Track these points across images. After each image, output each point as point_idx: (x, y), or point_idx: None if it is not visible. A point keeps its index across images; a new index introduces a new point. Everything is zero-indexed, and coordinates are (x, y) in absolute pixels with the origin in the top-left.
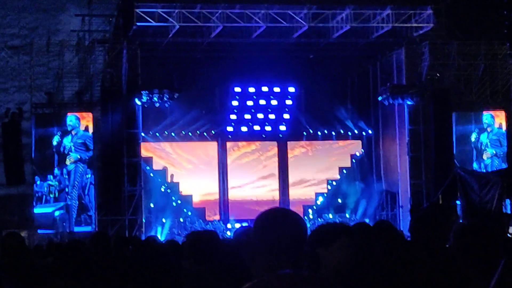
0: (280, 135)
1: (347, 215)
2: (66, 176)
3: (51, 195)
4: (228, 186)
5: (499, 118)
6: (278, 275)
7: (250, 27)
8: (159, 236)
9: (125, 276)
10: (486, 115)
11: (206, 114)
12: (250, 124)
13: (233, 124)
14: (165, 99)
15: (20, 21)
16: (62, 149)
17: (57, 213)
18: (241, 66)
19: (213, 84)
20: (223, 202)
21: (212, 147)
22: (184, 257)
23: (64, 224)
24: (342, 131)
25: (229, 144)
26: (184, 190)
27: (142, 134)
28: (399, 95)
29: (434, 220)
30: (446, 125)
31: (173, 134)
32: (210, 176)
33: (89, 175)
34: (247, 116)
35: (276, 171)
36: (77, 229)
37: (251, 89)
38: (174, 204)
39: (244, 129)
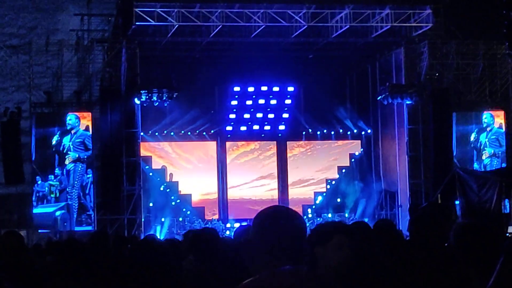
0: (279, 135)
1: (346, 215)
2: (65, 176)
3: (52, 195)
4: (227, 185)
5: (499, 118)
6: (277, 272)
7: (249, 27)
8: (158, 236)
9: (124, 275)
10: (486, 114)
11: (207, 113)
12: (249, 123)
13: (232, 123)
14: (164, 98)
15: (19, 21)
16: (61, 149)
17: (58, 213)
18: (240, 65)
19: (212, 83)
20: (222, 202)
21: (211, 146)
22: (184, 255)
23: (65, 224)
24: (341, 131)
25: (228, 144)
26: (183, 189)
27: (141, 133)
28: (398, 95)
29: (433, 219)
30: (445, 124)
31: (172, 133)
32: (209, 175)
33: (90, 175)
34: (246, 116)
35: (275, 171)
36: (78, 229)
37: (250, 89)
38: (173, 203)
39: (243, 128)
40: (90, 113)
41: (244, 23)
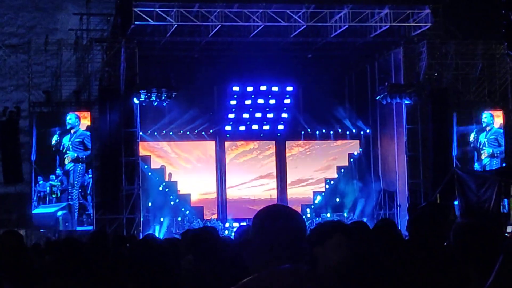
0: (278, 134)
1: (345, 214)
2: (65, 176)
3: (54, 196)
4: (226, 185)
5: (499, 118)
6: (277, 270)
7: (248, 26)
8: (157, 235)
9: (123, 274)
10: (486, 114)
11: (206, 113)
12: (248, 123)
13: (231, 123)
14: (163, 98)
15: (18, 20)
16: (61, 148)
17: (60, 213)
18: (239, 65)
19: (211, 83)
20: (221, 201)
21: (210, 146)
22: (183, 254)
23: (66, 224)
24: (340, 131)
25: (227, 143)
26: (182, 189)
27: (140, 133)
28: (397, 94)
29: (432, 219)
30: (444, 124)
31: (171, 133)
32: (208, 175)
33: (91, 175)
34: (245, 115)
35: (274, 170)
36: (79, 229)
37: (249, 88)
38: (172, 203)
39: (242, 128)
40: (89, 113)
41: (243, 22)
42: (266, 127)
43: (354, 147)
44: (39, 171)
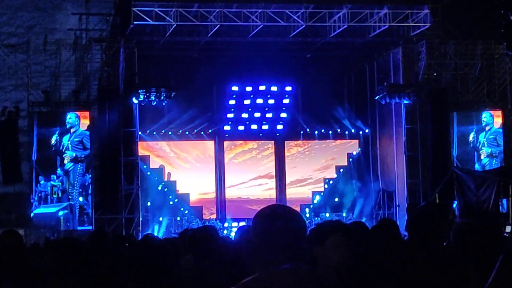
0: (277, 134)
1: (344, 214)
2: (65, 176)
3: (55, 196)
4: (225, 185)
5: (499, 118)
6: (277, 270)
7: (247, 26)
8: (156, 235)
9: (123, 274)
10: (486, 114)
11: (205, 113)
12: (247, 123)
13: (230, 123)
14: (162, 98)
15: (17, 20)
16: (61, 148)
17: (61, 213)
18: (238, 65)
19: (210, 83)
20: (220, 201)
21: (209, 146)
22: (182, 254)
23: (68, 224)
24: (339, 130)
25: (226, 143)
26: (181, 189)
27: (139, 133)
28: (396, 94)
29: (431, 219)
30: (443, 124)
31: (170, 133)
32: (207, 175)
33: (91, 175)
34: (244, 115)
35: (273, 170)
36: (80, 229)
37: (248, 88)
38: (171, 203)
39: (241, 128)
40: (88, 112)
41: (242, 22)
42: (265, 127)
43: (353, 147)
44: (40, 171)
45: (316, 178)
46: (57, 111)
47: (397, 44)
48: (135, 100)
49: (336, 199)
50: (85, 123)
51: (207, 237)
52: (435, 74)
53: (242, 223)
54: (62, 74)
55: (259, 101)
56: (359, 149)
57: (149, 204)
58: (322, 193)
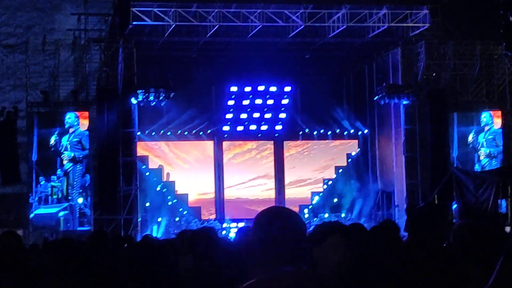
0: (276, 135)
1: (343, 215)
2: (65, 177)
3: (55, 196)
4: (224, 185)
5: (499, 119)
6: (281, 273)
7: (246, 27)
8: (155, 236)
9: (123, 274)
10: (485, 114)
11: (204, 113)
12: (246, 123)
13: (229, 123)
14: (161, 98)
15: (16, 20)
16: (60, 148)
17: (61, 214)
18: (237, 65)
19: (209, 83)
20: (219, 201)
21: (208, 146)
22: (181, 254)
23: (68, 224)
24: (338, 131)
25: (225, 144)
26: (180, 189)
27: (138, 133)
28: (395, 95)
29: (431, 220)
30: (442, 125)
31: (169, 133)
32: (206, 175)
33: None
34: (243, 116)
35: (272, 171)
36: (79, 229)
37: (247, 88)
38: (169, 203)
39: (240, 128)
40: (87, 113)
41: (241, 23)
42: (264, 127)
43: (352, 147)
44: (40, 172)
45: (315, 178)
46: (56, 111)
47: (396, 44)
48: (134, 101)
49: (335, 200)
50: (84, 123)
51: (207, 238)
52: (434, 74)
53: (241, 224)
54: (61, 74)
55: (258, 101)
56: (358, 149)
57: (148, 204)
58: (321, 194)
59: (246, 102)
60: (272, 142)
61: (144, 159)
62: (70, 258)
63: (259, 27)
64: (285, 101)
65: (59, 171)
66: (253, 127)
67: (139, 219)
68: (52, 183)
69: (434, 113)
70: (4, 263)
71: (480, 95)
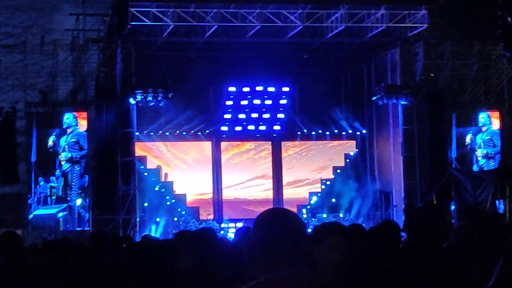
0: (275, 135)
1: (341, 215)
2: (63, 177)
3: (54, 197)
4: (222, 185)
5: (497, 119)
6: (283, 274)
7: (244, 27)
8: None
9: (123, 274)
10: (483, 114)
11: (202, 113)
12: (245, 123)
13: (227, 123)
14: (159, 98)
15: (14, 20)
16: (58, 149)
17: (60, 215)
18: (236, 65)
19: (207, 83)
20: (217, 202)
21: (206, 146)
22: (180, 254)
23: (67, 225)
24: (336, 131)
25: (223, 144)
26: (178, 189)
27: (137, 133)
28: (394, 95)
29: (430, 220)
30: (440, 125)
31: (167, 133)
32: (204, 175)
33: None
34: (242, 116)
35: (270, 171)
36: (78, 229)
37: (246, 89)
38: (168, 203)
39: (238, 128)
40: (86, 113)
41: (239, 23)
42: (262, 128)
43: (350, 147)
44: (39, 172)
45: (313, 178)
46: (54, 111)
47: (395, 44)
48: (132, 101)
49: (333, 200)
50: (83, 123)
51: (206, 239)
52: (432, 74)
53: (239, 224)
54: (59, 75)
55: (256, 101)
56: (356, 149)
57: (146, 204)
58: (319, 194)
59: (244, 103)
60: (270, 142)
61: (142, 159)
62: (69, 258)
63: (257, 28)
64: (283, 102)
65: (57, 172)
66: (251, 127)
67: (138, 219)
68: (51, 184)
69: (432, 113)
70: (4, 263)
71: (478, 95)
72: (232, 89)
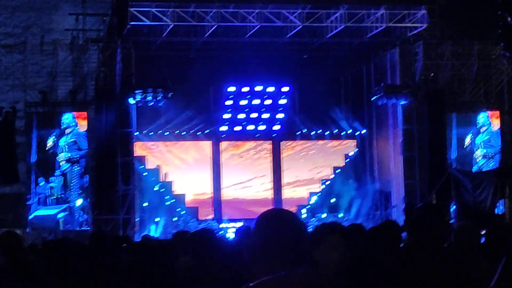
0: (274, 135)
1: (341, 215)
2: (62, 177)
3: (53, 197)
4: (221, 185)
5: (498, 120)
6: (283, 274)
7: (244, 27)
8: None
9: (123, 274)
10: (483, 114)
11: (201, 113)
12: (244, 123)
13: (227, 123)
14: (159, 98)
15: (14, 20)
16: (58, 150)
17: (60, 215)
18: (235, 65)
19: (207, 83)
20: (217, 201)
21: (206, 146)
22: (180, 254)
23: (67, 226)
24: (336, 131)
25: (223, 144)
26: (177, 189)
27: (136, 133)
28: (393, 95)
29: (430, 220)
30: (440, 125)
31: (167, 133)
32: (203, 175)
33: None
34: (241, 116)
35: (269, 171)
36: (79, 229)
37: (245, 89)
38: (167, 203)
39: (238, 128)
40: (85, 113)
41: (239, 23)
42: (261, 128)
43: (350, 147)
44: (39, 173)
45: (313, 178)
46: (54, 111)
47: (394, 44)
48: (132, 101)
49: (333, 200)
50: (83, 124)
51: (206, 240)
52: (432, 74)
53: (238, 224)
54: (59, 75)
55: (256, 101)
56: (356, 149)
57: (145, 204)
58: (319, 194)
59: (244, 102)
60: (270, 142)
61: (142, 159)
62: (69, 258)
63: (257, 27)
64: (283, 101)
65: (57, 172)
66: (251, 127)
67: (137, 219)
68: (51, 184)
69: (432, 113)
70: (4, 263)
71: (478, 95)
72: (231, 89)
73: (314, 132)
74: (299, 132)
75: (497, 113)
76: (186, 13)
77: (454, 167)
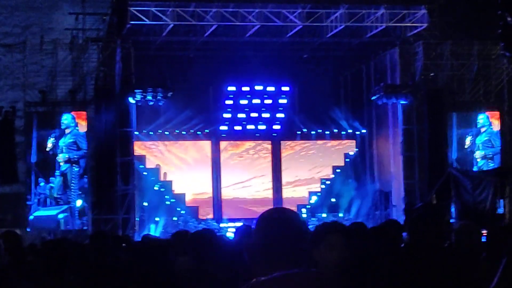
0: (274, 134)
1: (341, 215)
2: (62, 178)
3: (53, 198)
4: (221, 185)
5: (497, 120)
6: (284, 274)
7: (244, 26)
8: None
9: (123, 274)
10: (483, 115)
11: (201, 112)
12: (244, 123)
13: (227, 123)
14: (158, 97)
15: (13, 19)
16: (57, 151)
17: (61, 216)
18: (235, 65)
19: (207, 83)
20: (216, 201)
21: (205, 146)
22: (180, 254)
23: (68, 226)
24: (336, 131)
25: (222, 143)
26: (177, 188)
27: (136, 132)
28: (393, 95)
29: (429, 220)
30: (440, 125)
31: (166, 132)
32: (203, 175)
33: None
34: (241, 115)
35: (269, 170)
36: (78, 229)
37: (245, 88)
38: (167, 203)
39: (237, 128)
40: (85, 113)
41: (239, 22)
42: (261, 127)
43: (350, 147)
44: (39, 173)
45: (312, 178)
46: (53, 111)
47: (394, 44)
48: (131, 100)
49: (333, 200)
50: (83, 124)
51: (206, 240)
52: (431, 74)
53: (238, 224)
54: (58, 74)
55: (256, 101)
56: (356, 149)
57: (145, 204)
58: (319, 194)
59: (244, 102)
60: (269, 142)
61: (142, 159)
62: (68, 257)
63: (257, 27)
64: (283, 101)
65: (57, 173)
66: (250, 126)
67: (137, 219)
68: (51, 185)
69: (432, 113)
70: (4, 263)
71: (478, 95)
72: (231, 88)
73: (314, 132)
74: (299, 132)
75: (497, 114)
76: (186, 13)
77: (454, 167)
